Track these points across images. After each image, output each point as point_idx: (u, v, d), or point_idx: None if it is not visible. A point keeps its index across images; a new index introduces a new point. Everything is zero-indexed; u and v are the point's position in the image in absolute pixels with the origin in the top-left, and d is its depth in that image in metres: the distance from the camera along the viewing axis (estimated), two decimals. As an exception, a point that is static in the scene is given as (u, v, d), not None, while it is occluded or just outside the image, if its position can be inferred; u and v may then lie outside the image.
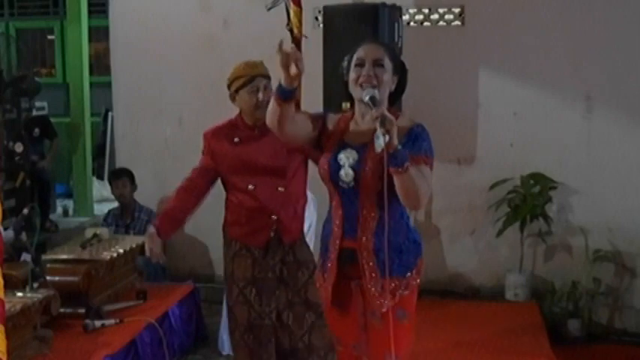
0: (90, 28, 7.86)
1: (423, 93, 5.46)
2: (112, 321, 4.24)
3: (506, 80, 5.60)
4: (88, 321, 4.16)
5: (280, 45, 2.58)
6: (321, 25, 5.23)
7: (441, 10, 5.69)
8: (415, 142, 2.72)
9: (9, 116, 6.83)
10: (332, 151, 2.83)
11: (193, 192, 3.72)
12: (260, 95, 3.53)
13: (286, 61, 2.57)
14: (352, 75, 2.79)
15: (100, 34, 8.94)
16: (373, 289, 2.78)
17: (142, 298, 4.69)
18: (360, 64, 2.78)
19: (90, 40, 7.98)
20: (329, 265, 2.89)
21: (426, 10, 5.71)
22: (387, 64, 2.80)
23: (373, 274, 2.78)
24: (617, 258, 5.36)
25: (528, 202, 5.39)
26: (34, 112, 7.55)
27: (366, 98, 2.67)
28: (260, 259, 3.60)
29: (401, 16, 5.12)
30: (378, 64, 2.77)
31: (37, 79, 7.63)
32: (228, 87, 3.64)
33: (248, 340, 3.63)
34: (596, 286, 5.27)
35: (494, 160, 5.61)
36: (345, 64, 2.87)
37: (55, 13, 10.07)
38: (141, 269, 5.13)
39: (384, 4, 4.87)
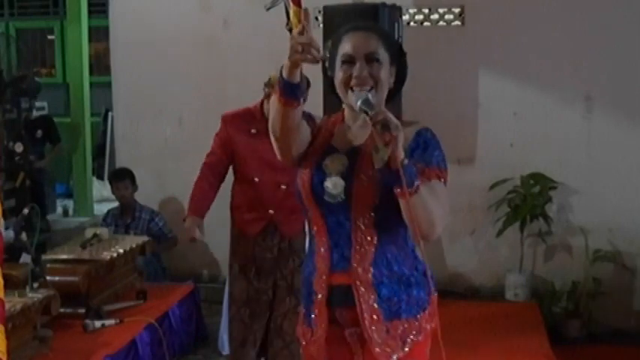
0: (90, 28, 7.86)
1: (423, 93, 5.46)
2: (112, 321, 4.24)
3: (506, 80, 5.60)
4: (88, 321, 4.16)
5: (304, 27, 1.97)
6: (321, 25, 5.23)
7: (441, 10, 5.69)
8: (425, 151, 2.14)
9: (9, 116, 6.83)
10: (315, 159, 2.21)
11: (214, 172, 3.94)
12: None
13: (307, 47, 1.95)
14: (339, 75, 2.17)
15: (100, 34, 8.93)
16: (376, 335, 2.15)
17: (142, 298, 4.69)
18: (349, 61, 2.17)
19: (90, 40, 7.97)
20: (316, 311, 2.21)
21: (426, 10, 5.70)
22: (383, 55, 2.18)
23: (375, 316, 2.15)
24: (617, 258, 5.36)
25: (528, 202, 5.39)
26: (34, 112, 7.55)
27: (358, 104, 2.06)
28: (260, 240, 3.83)
29: (401, 16, 5.11)
30: (371, 58, 2.15)
31: (37, 79, 7.63)
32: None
33: (244, 314, 3.90)
34: (596, 286, 5.27)
35: (494, 160, 5.61)
36: (326, 54, 2.24)
37: (55, 13, 10.06)
38: (141, 269, 5.13)
39: (384, 4, 4.86)
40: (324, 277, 2.19)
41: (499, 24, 5.58)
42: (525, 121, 5.59)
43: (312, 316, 2.23)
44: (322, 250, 2.20)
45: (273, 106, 2.12)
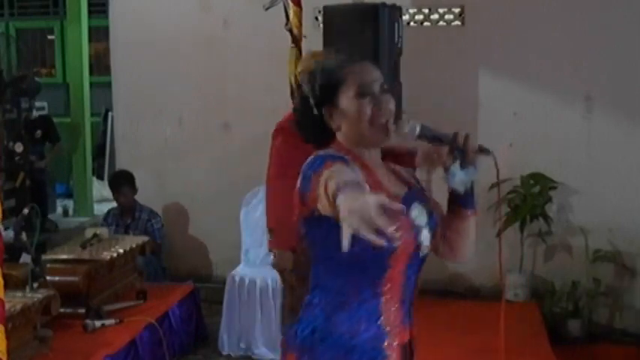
0: (90, 28, 7.88)
1: (423, 93, 5.47)
2: (112, 321, 4.24)
3: (506, 80, 5.60)
4: (88, 321, 4.16)
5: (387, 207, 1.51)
6: (321, 25, 5.23)
7: (441, 10, 5.69)
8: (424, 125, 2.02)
9: (9, 116, 6.84)
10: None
11: None
12: None
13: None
14: (357, 107, 1.94)
15: (100, 34, 8.94)
16: None
17: (142, 298, 4.69)
18: (367, 94, 1.94)
19: (90, 40, 7.99)
20: None
21: (426, 10, 5.71)
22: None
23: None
24: (617, 258, 5.35)
25: (528, 202, 5.39)
26: (34, 112, 7.56)
27: (417, 131, 1.93)
28: None
29: (401, 16, 5.11)
30: (385, 90, 1.97)
31: (37, 79, 7.65)
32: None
33: None
34: (596, 286, 5.27)
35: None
36: (310, 89, 1.99)
37: (55, 13, 10.07)
38: (141, 269, 5.13)
39: (384, 4, 4.86)
40: (398, 338, 1.98)
41: (499, 24, 5.58)
42: (525, 121, 5.59)
43: None
44: (393, 308, 1.96)
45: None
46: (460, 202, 1.96)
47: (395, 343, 1.96)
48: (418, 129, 1.94)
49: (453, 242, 2.03)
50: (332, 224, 1.69)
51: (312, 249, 1.99)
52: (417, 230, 1.95)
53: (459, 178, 1.91)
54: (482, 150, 1.92)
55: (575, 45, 5.45)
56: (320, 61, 2.05)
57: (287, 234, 3.50)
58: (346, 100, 1.96)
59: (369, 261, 1.90)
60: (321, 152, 1.93)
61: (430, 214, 1.99)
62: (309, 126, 2.02)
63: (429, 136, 1.95)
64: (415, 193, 2.01)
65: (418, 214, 1.96)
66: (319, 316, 1.95)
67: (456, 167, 1.92)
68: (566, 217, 5.54)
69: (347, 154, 1.94)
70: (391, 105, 1.96)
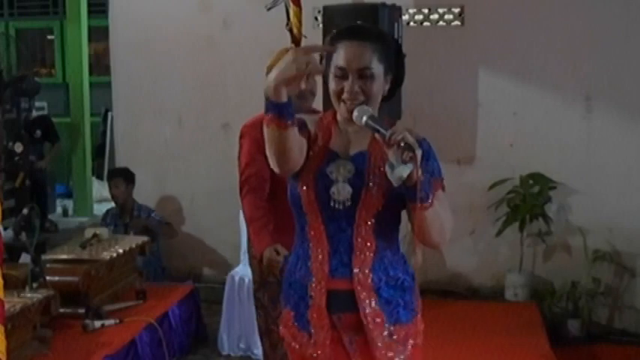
0: (89, 28, 7.88)
1: (423, 93, 5.47)
2: (111, 321, 4.24)
3: (506, 80, 5.60)
4: (87, 321, 4.16)
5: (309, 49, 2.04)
6: (321, 25, 5.23)
7: (440, 10, 5.69)
8: (427, 163, 2.12)
9: (9, 116, 6.85)
10: (317, 164, 2.21)
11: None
12: (302, 84, 3.02)
13: (304, 70, 1.99)
14: (332, 85, 2.19)
15: (99, 34, 8.94)
16: (379, 340, 2.19)
17: (142, 298, 4.69)
18: (342, 76, 2.17)
19: (89, 40, 7.99)
20: (314, 316, 2.21)
21: (426, 10, 5.70)
22: (377, 68, 2.17)
23: (378, 319, 2.19)
24: (616, 258, 5.35)
25: (528, 202, 5.39)
26: (34, 112, 7.57)
27: (364, 120, 2.09)
28: None
29: (400, 16, 5.11)
30: (364, 74, 2.15)
31: (36, 79, 7.66)
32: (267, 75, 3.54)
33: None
34: (595, 286, 5.27)
35: (494, 160, 5.61)
36: (320, 59, 2.24)
37: (55, 13, 10.08)
38: (140, 269, 5.14)
39: (383, 4, 4.86)
40: (322, 283, 2.20)
41: (499, 24, 5.58)
42: (525, 121, 5.59)
43: (313, 315, 2.22)
44: (320, 256, 2.21)
45: (270, 136, 2.07)
46: (407, 195, 2.06)
47: (320, 287, 2.20)
48: (365, 118, 2.09)
49: (419, 231, 2.11)
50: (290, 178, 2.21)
51: None
52: (327, 183, 2.18)
53: (395, 172, 1.97)
54: (408, 147, 1.96)
55: (575, 45, 5.45)
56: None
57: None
58: (330, 75, 2.19)
59: (295, 211, 2.25)
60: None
61: (360, 173, 2.18)
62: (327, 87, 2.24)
63: (372, 128, 2.08)
64: (360, 155, 2.21)
65: (335, 169, 2.19)
66: (290, 253, 2.36)
67: (392, 162, 1.98)
68: (566, 217, 5.54)
69: (326, 119, 2.28)
70: (356, 88, 2.14)
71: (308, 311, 2.23)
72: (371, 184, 2.17)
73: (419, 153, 1.95)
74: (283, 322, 2.33)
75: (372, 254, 2.20)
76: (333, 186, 2.18)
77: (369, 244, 2.20)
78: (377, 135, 2.04)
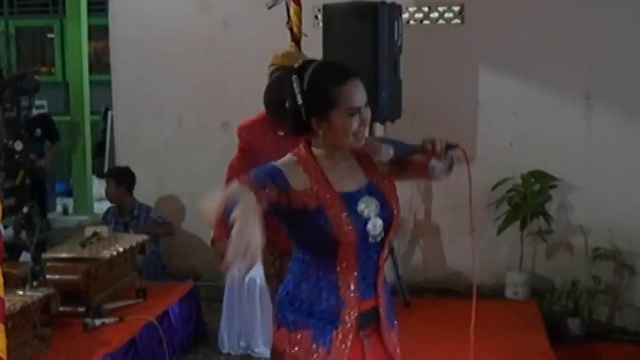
0: (90, 27, 7.87)
1: (423, 91, 5.48)
2: (111, 319, 4.24)
3: (506, 79, 5.60)
4: (87, 319, 4.16)
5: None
6: (321, 24, 5.23)
7: (440, 9, 5.69)
8: (396, 142, 2.37)
9: (9, 115, 6.84)
10: (342, 207, 2.25)
11: None
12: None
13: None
14: (348, 125, 2.22)
15: (99, 33, 8.93)
16: (389, 341, 2.42)
17: (142, 296, 4.69)
18: (356, 113, 2.23)
19: (89, 39, 7.98)
20: (339, 336, 2.29)
21: (426, 9, 5.70)
22: None
23: (389, 324, 2.42)
24: (616, 257, 5.36)
25: (528, 200, 5.39)
26: (34, 111, 7.56)
27: (391, 153, 2.28)
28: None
29: (400, 15, 5.12)
30: (366, 103, 2.28)
31: (36, 77, 7.63)
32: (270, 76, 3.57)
33: None
34: (595, 284, 5.28)
35: (494, 159, 5.60)
36: (303, 102, 2.22)
37: (55, 11, 10.08)
38: (141, 268, 5.13)
39: (383, 3, 4.86)
40: (355, 308, 2.30)
41: (499, 22, 5.58)
42: (525, 119, 5.59)
43: (348, 344, 2.30)
44: (352, 286, 2.30)
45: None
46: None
47: (353, 312, 2.29)
48: (392, 152, 2.28)
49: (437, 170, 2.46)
50: (293, 209, 2.22)
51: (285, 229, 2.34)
52: (363, 221, 2.27)
53: (438, 168, 2.42)
54: (450, 147, 2.36)
55: (575, 44, 5.45)
56: (309, 71, 2.24)
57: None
58: (337, 117, 2.22)
59: (320, 249, 2.29)
60: (266, 166, 2.27)
61: (384, 204, 2.32)
62: (295, 126, 2.29)
63: (404, 152, 2.33)
64: (372, 187, 2.33)
65: (365, 207, 2.29)
66: (292, 282, 2.35)
67: (433, 163, 2.38)
68: (566, 215, 5.55)
69: (305, 160, 2.28)
70: (369, 114, 2.28)
71: (334, 331, 2.30)
72: (395, 211, 2.34)
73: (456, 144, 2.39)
74: (294, 342, 2.32)
75: (383, 271, 2.39)
76: (368, 223, 2.29)
77: (385, 262, 2.40)
78: (419, 155, 2.34)
